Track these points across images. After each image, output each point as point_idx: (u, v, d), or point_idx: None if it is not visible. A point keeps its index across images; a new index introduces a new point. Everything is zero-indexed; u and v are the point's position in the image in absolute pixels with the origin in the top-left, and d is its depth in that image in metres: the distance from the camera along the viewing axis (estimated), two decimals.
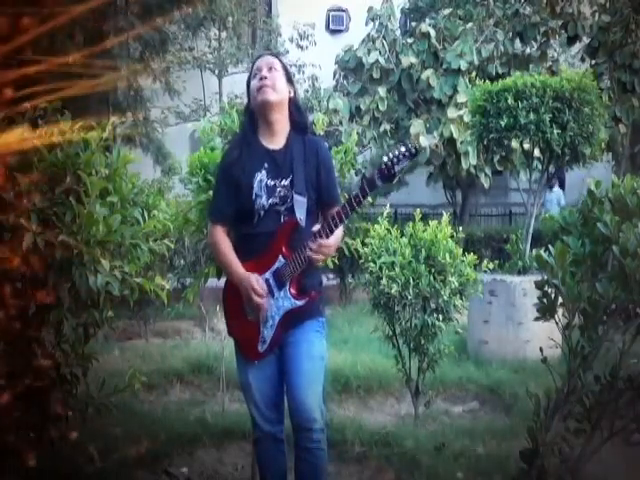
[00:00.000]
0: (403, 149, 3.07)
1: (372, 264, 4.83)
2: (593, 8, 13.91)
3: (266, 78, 3.20)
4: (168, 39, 13.63)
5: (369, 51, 14.29)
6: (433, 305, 4.83)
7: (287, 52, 17.08)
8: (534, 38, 14.26)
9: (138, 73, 13.11)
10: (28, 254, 2.65)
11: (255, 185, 3.17)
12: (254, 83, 3.25)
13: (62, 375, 2.97)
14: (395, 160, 3.06)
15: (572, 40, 14.17)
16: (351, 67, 14.62)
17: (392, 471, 4.22)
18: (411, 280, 4.73)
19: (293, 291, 3.16)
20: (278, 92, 3.22)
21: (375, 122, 14.13)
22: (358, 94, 14.28)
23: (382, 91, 14.02)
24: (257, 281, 3.12)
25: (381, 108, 14.01)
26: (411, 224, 4.97)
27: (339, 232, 3.19)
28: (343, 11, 19.72)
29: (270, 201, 3.16)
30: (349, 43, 15.06)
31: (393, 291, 4.72)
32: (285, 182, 3.18)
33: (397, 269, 4.75)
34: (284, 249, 3.14)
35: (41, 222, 2.73)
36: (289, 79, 3.30)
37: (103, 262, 2.78)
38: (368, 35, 14.78)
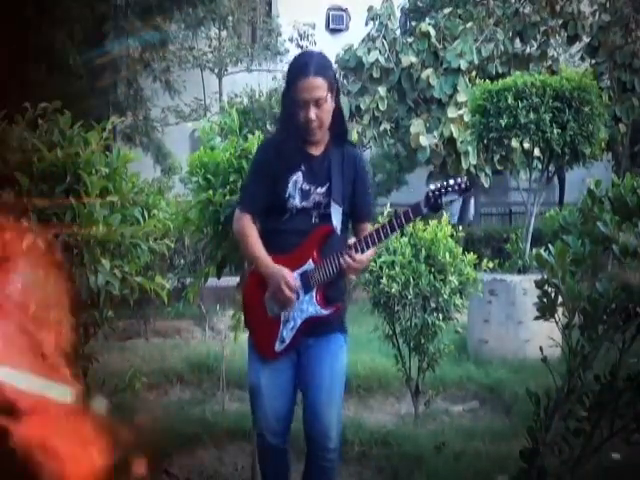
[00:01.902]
0: (452, 182, 3.03)
1: (372, 263, 4.83)
2: (593, 7, 13.92)
3: (314, 121, 3.04)
4: (168, 38, 13.64)
5: (369, 50, 14.28)
6: (433, 304, 4.83)
7: (287, 52, 17.07)
8: (534, 37, 14.25)
9: (138, 73, 13.12)
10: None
11: (290, 186, 3.10)
12: (300, 117, 3.04)
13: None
14: (443, 191, 3.02)
15: (572, 39, 14.18)
16: (351, 66, 14.61)
17: (392, 471, 4.23)
18: (411, 279, 4.73)
19: (319, 299, 3.10)
20: (325, 127, 3.11)
21: (375, 121, 14.12)
22: (358, 93, 14.27)
23: (382, 90, 14.02)
24: (290, 274, 3.04)
25: (381, 107, 14.01)
26: (411, 223, 4.97)
27: (371, 251, 3.13)
28: (343, 10, 19.71)
29: (303, 204, 3.11)
30: (349, 42, 15.05)
31: (393, 290, 4.72)
32: (321, 189, 3.12)
33: (397, 268, 4.75)
34: (315, 253, 3.08)
35: (41, 222, 2.73)
36: (333, 90, 3.09)
37: (103, 261, 2.78)
38: (368, 34, 14.78)
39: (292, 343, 3.12)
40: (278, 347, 3.12)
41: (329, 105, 3.08)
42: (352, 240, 3.09)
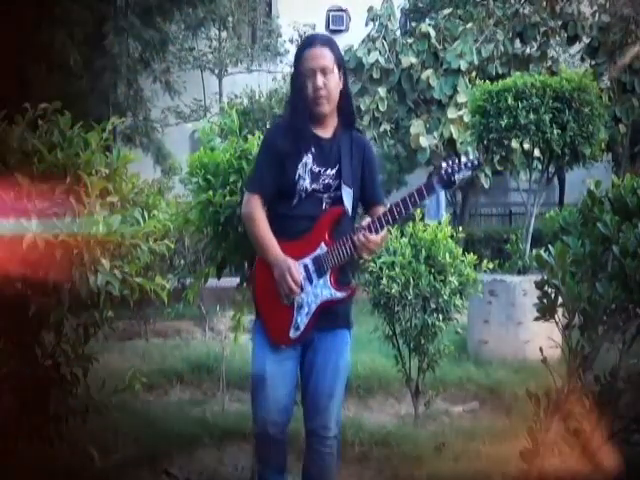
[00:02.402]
0: (464, 159, 3.05)
1: (372, 264, 4.84)
2: (593, 8, 13.92)
3: (322, 89, 3.06)
4: (168, 39, 13.64)
5: (369, 51, 14.28)
6: (433, 305, 4.83)
7: (287, 52, 17.08)
8: (534, 38, 14.25)
9: (138, 73, 13.13)
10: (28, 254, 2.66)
11: (299, 167, 3.09)
12: (308, 87, 3.08)
13: (62, 375, 2.97)
14: (456, 168, 3.03)
15: (572, 40, 14.18)
16: (351, 67, 14.59)
17: (392, 471, 4.23)
18: (411, 280, 4.73)
19: (333, 282, 3.07)
20: (333, 101, 3.13)
21: (375, 122, 14.11)
22: (358, 94, 14.27)
23: (382, 91, 14.02)
24: (295, 266, 3.03)
25: (381, 108, 14.01)
26: (411, 224, 4.97)
27: (384, 233, 3.10)
28: (343, 11, 19.69)
29: (313, 186, 3.10)
30: (349, 43, 15.04)
31: (393, 291, 4.72)
32: (331, 171, 3.12)
33: (397, 269, 4.75)
34: (327, 236, 3.07)
35: (41, 223, 2.73)
36: (340, 67, 3.14)
37: (103, 262, 2.77)
38: (368, 35, 14.78)
39: (306, 331, 3.09)
40: (293, 334, 3.10)
41: (336, 78, 3.11)
42: (366, 221, 3.06)
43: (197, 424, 4.79)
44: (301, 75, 3.09)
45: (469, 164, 3.04)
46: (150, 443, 4.37)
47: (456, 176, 3.04)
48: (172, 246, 3.43)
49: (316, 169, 3.12)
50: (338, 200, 3.12)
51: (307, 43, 3.16)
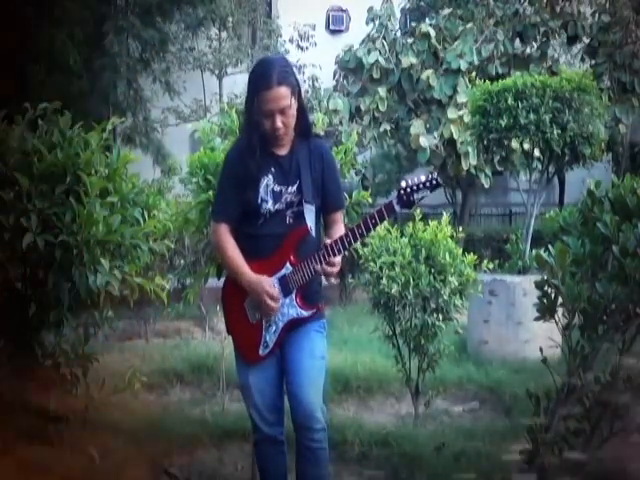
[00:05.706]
0: (423, 179, 3.06)
1: (372, 264, 4.84)
2: (593, 8, 13.93)
3: (280, 128, 3.08)
4: (168, 39, 13.64)
5: (369, 51, 14.27)
6: (433, 305, 4.83)
7: (287, 52, 17.08)
8: (534, 38, 14.25)
9: (138, 73, 13.13)
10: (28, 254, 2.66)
11: (261, 190, 3.13)
12: (267, 126, 3.08)
13: (62, 375, 2.97)
14: (415, 188, 3.05)
15: (572, 40, 14.19)
16: (351, 67, 14.60)
17: (392, 471, 4.23)
18: (411, 280, 4.73)
19: (299, 301, 3.13)
20: (290, 131, 3.14)
21: (375, 122, 14.11)
22: (358, 94, 14.27)
23: (382, 91, 14.01)
24: (270, 285, 3.08)
25: (381, 108, 14.00)
26: (411, 224, 4.97)
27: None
28: (343, 11, 19.69)
29: (277, 206, 3.14)
30: (349, 43, 15.04)
31: (393, 291, 4.72)
32: (292, 189, 3.15)
33: (397, 269, 4.75)
34: (292, 257, 3.11)
35: (41, 222, 2.73)
36: (295, 93, 3.12)
37: (103, 262, 2.78)
38: (368, 35, 14.77)
39: (275, 345, 3.17)
40: (262, 352, 3.17)
41: (294, 109, 3.11)
42: (328, 241, 3.09)
43: (197, 424, 4.79)
44: (259, 113, 3.07)
45: (428, 184, 3.06)
46: (150, 443, 4.37)
47: (415, 196, 3.06)
48: (172, 246, 3.44)
49: (277, 188, 3.15)
50: (301, 215, 3.16)
51: (264, 80, 3.05)
